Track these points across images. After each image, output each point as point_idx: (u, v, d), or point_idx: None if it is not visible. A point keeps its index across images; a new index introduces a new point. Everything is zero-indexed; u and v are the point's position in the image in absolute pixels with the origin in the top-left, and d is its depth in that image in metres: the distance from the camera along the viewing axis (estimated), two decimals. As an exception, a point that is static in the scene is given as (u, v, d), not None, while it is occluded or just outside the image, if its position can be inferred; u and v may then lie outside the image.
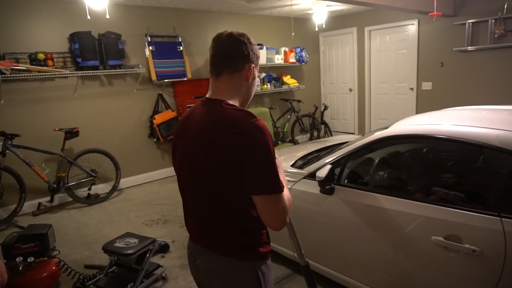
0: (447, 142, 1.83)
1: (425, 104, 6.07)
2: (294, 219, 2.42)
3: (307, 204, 2.33)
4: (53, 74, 4.19)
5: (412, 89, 6.24)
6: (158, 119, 5.07)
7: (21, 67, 3.94)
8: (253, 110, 5.42)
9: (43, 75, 4.11)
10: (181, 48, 5.26)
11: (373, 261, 2.01)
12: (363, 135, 2.53)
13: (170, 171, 5.44)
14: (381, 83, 6.75)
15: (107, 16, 3.90)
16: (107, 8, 3.79)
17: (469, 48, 5.34)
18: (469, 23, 5.27)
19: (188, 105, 5.13)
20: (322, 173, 2.06)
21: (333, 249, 2.24)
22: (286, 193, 1.13)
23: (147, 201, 4.47)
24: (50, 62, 4.19)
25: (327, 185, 2.10)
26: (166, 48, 5.15)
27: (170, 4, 5.09)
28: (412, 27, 6.07)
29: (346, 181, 2.21)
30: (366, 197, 2.00)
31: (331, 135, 6.89)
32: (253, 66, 1.18)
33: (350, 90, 7.21)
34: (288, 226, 1.56)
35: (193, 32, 5.52)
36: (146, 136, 5.22)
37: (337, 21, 7.04)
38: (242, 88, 1.19)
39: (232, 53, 1.15)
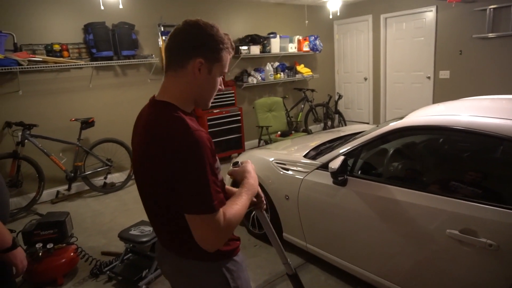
0: (465, 134, 1.78)
1: (442, 93, 5.92)
2: (306, 210, 2.43)
3: (319, 195, 2.32)
4: (68, 65, 4.25)
5: (429, 77, 6.09)
6: (172, 109, 5.09)
7: (38, 58, 4.00)
8: (266, 99, 5.39)
9: (59, 66, 4.17)
10: (194, 37, 5.24)
11: (385, 253, 1.99)
12: (378, 125, 2.48)
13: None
14: (397, 72, 6.61)
15: (120, 7, 3.92)
16: (120, -2, 3.81)
17: (490, 35, 5.16)
18: (490, 9, 5.07)
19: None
20: (335, 164, 2.04)
21: (345, 240, 2.24)
22: (236, 209, 1.02)
23: (161, 190, 4.53)
24: (65, 53, 4.24)
25: (340, 176, 2.08)
26: (179, 38, 5.14)
27: (183, -7, 5.06)
28: (429, 14, 5.89)
29: (359, 172, 2.19)
30: (380, 189, 1.97)
31: (345, 125, 6.81)
32: (201, 61, 1.01)
33: (365, 79, 7.09)
34: (271, 236, 1.49)
35: (206, 22, 5.48)
36: (160, 126, 5.26)
37: (352, 9, 6.88)
38: (190, 87, 1.05)
39: (174, 46, 1.03)
